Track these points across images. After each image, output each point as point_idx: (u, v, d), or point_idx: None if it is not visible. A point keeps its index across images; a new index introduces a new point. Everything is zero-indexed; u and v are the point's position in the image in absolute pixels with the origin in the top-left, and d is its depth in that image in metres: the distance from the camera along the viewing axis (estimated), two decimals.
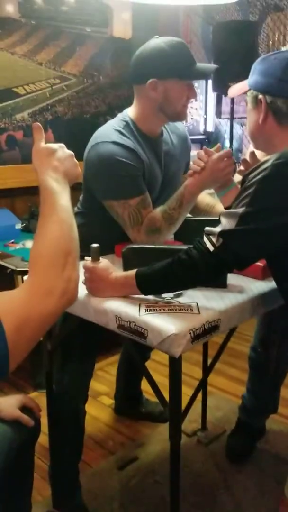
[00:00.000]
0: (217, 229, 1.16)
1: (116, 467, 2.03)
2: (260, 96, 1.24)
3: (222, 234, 1.15)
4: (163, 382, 1.29)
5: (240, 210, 1.13)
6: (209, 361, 1.82)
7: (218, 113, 4.31)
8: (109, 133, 1.60)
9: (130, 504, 1.84)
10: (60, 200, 0.95)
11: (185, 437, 2.20)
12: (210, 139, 4.45)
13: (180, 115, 1.66)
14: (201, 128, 4.51)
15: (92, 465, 2.05)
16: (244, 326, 2.36)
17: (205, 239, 1.18)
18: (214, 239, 1.16)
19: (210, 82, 3.77)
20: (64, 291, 0.86)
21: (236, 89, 1.38)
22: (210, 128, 4.56)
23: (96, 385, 2.65)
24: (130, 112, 1.68)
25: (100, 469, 2.03)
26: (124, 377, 2.34)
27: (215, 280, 1.31)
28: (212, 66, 1.69)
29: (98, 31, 3.33)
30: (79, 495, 1.80)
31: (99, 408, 2.46)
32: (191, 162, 1.61)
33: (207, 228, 1.18)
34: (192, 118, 4.37)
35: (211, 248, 1.16)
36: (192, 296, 1.32)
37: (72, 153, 1.07)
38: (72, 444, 1.79)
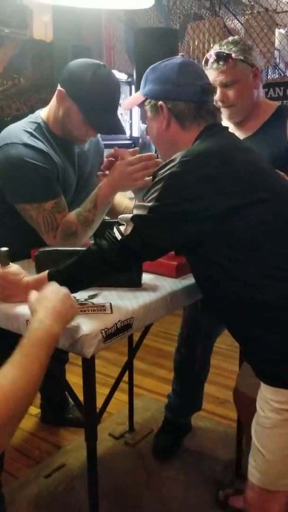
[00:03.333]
0: (130, 215, 1.18)
1: (42, 476, 1.99)
2: (160, 103, 1.26)
3: (133, 218, 1.16)
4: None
5: (149, 204, 1.16)
6: (136, 363, 1.84)
7: (143, 118, 4.37)
8: (19, 134, 1.56)
9: (57, 510, 1.81)
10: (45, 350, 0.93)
11: (112, 440, 2.19)
12: (136, 144, 4.49)
13: (75, 140, 1.65)
14: (127, 133, 4.55)
15: (16, 475, 1.99)
16: (172, 326, 2.41)
17: (114, 229, 1.19)
18: (123, 228, 1.17)
19: (133, 87, 3.82)
20: None
21: (130, 102, 1.39)
22: (135, 133, 4.61)
23: None
24: (43, 114, 1.65)
25: (25, 479, 1.97)
26: (44, 384, 2.28)
27: (125, 270, 1.29)
28: (115, 127, 1.59)
29: (17, 32, 3.27)
30: (2, 507, 1.74)
31: (25, 418, 2.36)
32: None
33: (121, 215, 1.20)
34: None
35: (119, 237, 1.17)
36: (106, 297, 1.32)
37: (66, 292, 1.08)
38: None
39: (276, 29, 3.70)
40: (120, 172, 1.49)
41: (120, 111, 1.65)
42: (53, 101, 1.62)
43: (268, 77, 4.14)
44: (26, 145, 1.53)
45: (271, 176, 1.24)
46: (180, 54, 1.48)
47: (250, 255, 1.14)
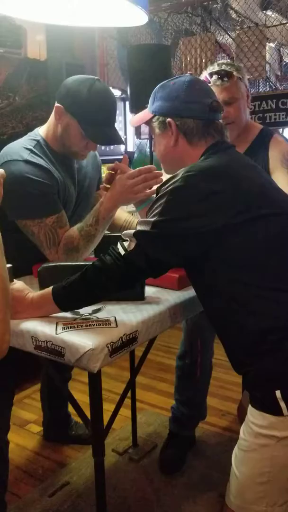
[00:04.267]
0: (133, 231, 1.19)
1: (46, 495, 1.96)
2: (169, 120, 1.28)
3: (136, 234, 1.17)
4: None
5: (152, 219, 1.16)
6: (138, 377, 1.83)
7: (138, 134, 4.41)
8: (20, 151, 1.58)
9: None
10: None
11: (116, 456, 2.18)
12: (131, 159, 4.53)
13: (75, 155, 1.67)
14: (122, 148, 4.57)
15: (20, 495, 1.96)
16: (172, 340, 2.41)
17: (118, 245, 1.19)
18: (126, 244, 1.18)
19: (127, 103, 3.85)
20: None
21: (138, 119, 1.41)
22: (131, 148, 4.64)
23: (23, 413, 2.56)
24: (42, 131, 1.67)
25: (29, 498, 1.94)
26: (47, 402, 2.27)
27: (130, 286, 1.29)
28: (114, 138, 1.63)
29: (12, 52, 3.30)
30: None
31: (27, 437, 2.37)
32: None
33: (124, 232, 1.20)
34: None
35: (123, 253, 1.17)
36: (110, 311, 1.32)
37: None
38: None
39: (267, 43, 3.75)
40: (121, 186, 1.50)
41: (116, 125, 1.67)
42: (51, 118, 1.64)
43: (260, 89, 4.20)
44: (26, 161, 1.55)
45: (275, 193, 1.24)
46: (188, 72, 1.51)
47: (244, 274, 1.14)
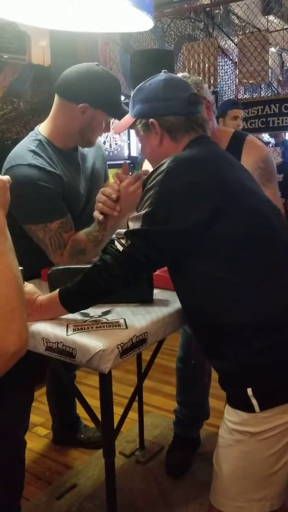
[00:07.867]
0: (124, 230, 1.20)
1: (54, 497, 1.97)
2: (151, 120, 1.29)
3: (127, 233, 1.18)
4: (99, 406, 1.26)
5: (143, 212, 1.17)
6: (144, 381, 1.84)
7: None
8: (24, 154, 1.59)
9: None
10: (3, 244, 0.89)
11: (123, 458, 2.18)
12: (134, 164, 4.55)
13: (90, 143, 1.71)
14: (125, 153, 4.60)
15: (28, 498, 1.97)
16: (177, 343, 2.42)
17: (115, 242, 1.21)
18: (123, 241, 1.19)
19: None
20: (17, 351, 0.82)
21: (121, 125, 1.42)
22: (134, 153, 4.67)
23: (30, 416, 2.56)
24: (43, 129, 1.67)
25: (37, 501, 1.95)
26: (55, 405, 2.27)
27: (133, 282, 1.27)
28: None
29: (16, 57, 3.34)
30: None
31: (34, 440, 2.38)
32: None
33: (117, 231, 1.21)
34: (116, 144, 4.45)
35: (121, 249, 1.18)
36: (120, 313, 1.34)
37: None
38: (13, 478, 1.70)
39: (269, 48, 3.79)
40: (124, 194, 1.52)
41: (117, 131, 1.70)
42: (59, 115, 1.64)
43: (262, 94, 4.22)
44: (30, 165, 1.56)
45: (252, 190, 1.26)
46: (163, 71, 1.47)
47: (221, 270, 1.15)
